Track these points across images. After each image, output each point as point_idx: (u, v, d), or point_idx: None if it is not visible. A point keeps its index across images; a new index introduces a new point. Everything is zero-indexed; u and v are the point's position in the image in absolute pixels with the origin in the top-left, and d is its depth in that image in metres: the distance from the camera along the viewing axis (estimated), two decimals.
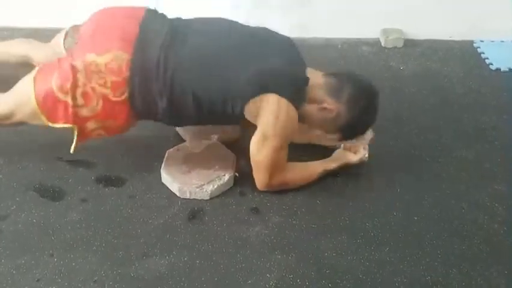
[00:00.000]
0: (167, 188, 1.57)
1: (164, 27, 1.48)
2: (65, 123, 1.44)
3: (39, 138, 1.71)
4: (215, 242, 1.42)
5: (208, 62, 1.45)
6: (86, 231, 1.43)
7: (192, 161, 1.62)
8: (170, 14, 1.58)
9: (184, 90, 1.44)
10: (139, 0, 1.62)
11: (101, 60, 1.40)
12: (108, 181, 1.59)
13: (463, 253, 1.42)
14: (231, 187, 1.59)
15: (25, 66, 1.69)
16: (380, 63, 2.28)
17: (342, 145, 1.65)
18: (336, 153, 1.65)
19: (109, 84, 1.41)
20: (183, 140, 1.72)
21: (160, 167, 1.60)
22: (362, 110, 1.48)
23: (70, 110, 1.42)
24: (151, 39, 1.44)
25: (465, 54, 2.36)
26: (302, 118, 1.51)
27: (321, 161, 1.62)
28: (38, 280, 1.30)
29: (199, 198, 1.54)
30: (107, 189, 1.56)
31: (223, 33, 1.52)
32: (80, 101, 1.41)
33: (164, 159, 1.62)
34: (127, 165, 1.65)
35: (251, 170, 1.54)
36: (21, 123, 1.53)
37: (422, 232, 1.47)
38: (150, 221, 1.47)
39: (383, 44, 2.39)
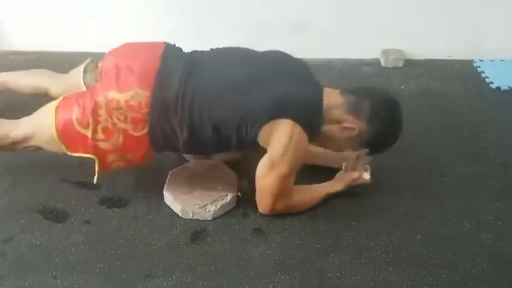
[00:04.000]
0: (170, 208, 1.58)
1: (182, 61, 1.52)
2: (84, 153, 1.48)
3: (43, 160, 1.72)
4: (218, 263, 1.41)
5: (224, 89, 1.46)
6: (89, 253, 1.43)
7: (195, 182, 1.62)
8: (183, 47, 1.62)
9: (202, 118, 1.45)
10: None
11: (122, 97, 1.44)
12: (111, 202, 1.60)
13: (466, 272, 1.41)
14: (233, 207, 1.59)
15: (41, 96, 1.72)
16: (380, 84, 2.29)
17: (343, 166, 1.66)
18: (339, 175, 1.64)
19: (129, 120, 1.44)
20: (186, 161, 1.73)
21: (163, 188, 1.60)
22: (383, 124, 1.46)
23: (90, 142, 1.46)
24: (170, 74, 1.47)
25: (465, 73, 2.38)
26: (325, 141, 1.52)
27: (324, 184, 1.62)
28: None
29: (202, 219, 1.54)
30: (110, 211, 1.57)
31: (237, 61, 1.55)
32: (100, 135, 1.45)
33: (167, 179, 1.63)
34: (130, 186, 1.66)
35: (254, 190, 1.55)
36: (36, 149, 1.55)
37: (426, 251, 1.47)
38: (153, 242, 1.47)
39: (383, 64, 2.42)
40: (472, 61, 2.45)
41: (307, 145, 1.47)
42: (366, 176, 1.60)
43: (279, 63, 1.56)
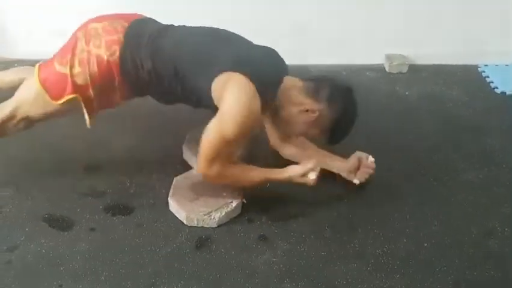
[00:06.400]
0: (175, 215, 1.57)
1: (158, 24, 1.62)
2: (68, 94, 1.50)
3: (48, 168, 1.73)
4: (223, 271, 1.41)
5: (196, 44, 1.54)
6: (94, 261, 1.42)
7: (199, 189, 1.62)
8: None
9: (167, 58, 1.51)
10: None
11: (100, 25, 1.54)
12: (116, 210, 1.59)
13: (474, 279, 1.40)
14: (238, 214, 1.59)
15: None
16: (385, 89, 2.29)
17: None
18: (289, 167, 1.56)
19: (103, 44, 1.50)
20: (190, 167, 1.73)
21: (168, 195, 1.60)
22: (342, 107, 1.49)
23: (69, 80, 1.49)
24: (147, 23, 1.60)
25: (470, 78, 2.38)
26: (284, 124, 1.53)
27: (267, 169, 1.56)
28: None
29: (207, 226, 1.54)
30: (115, 218, 1.57)
31: (214, 30, 1.61)
32: (77, 68, 1.49)
33: (172, 186, 1.63)
34: (134, 194, 1.65)
35: (259, 197, 1.54)
36: (26, 124, 1.56)
37: (433, 258, 1.46)
38: (158, 250, 1.46)
39: (387, 70, 2.41)
40: (476, 66, 2.44)
41: (258, 110, 1.41)
42: (312, 175, 1.50)
43: (251, 43, 1.61)
